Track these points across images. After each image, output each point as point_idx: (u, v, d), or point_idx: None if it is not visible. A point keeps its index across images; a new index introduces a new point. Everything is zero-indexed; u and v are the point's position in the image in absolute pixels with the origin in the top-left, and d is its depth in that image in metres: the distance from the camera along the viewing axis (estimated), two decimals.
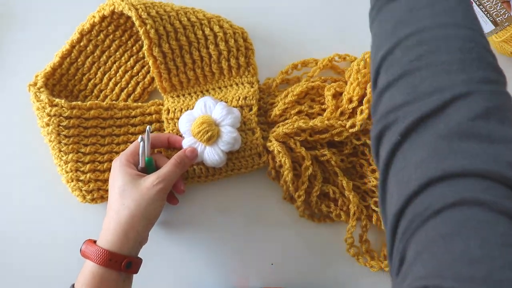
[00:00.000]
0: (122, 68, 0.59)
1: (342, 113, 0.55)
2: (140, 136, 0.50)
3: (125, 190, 0.48)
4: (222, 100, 0.55)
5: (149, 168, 0.51)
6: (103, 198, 0.55)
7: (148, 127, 0.51)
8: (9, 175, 0.58)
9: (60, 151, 0.53)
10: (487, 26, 0.60)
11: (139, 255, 0.49)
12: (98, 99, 0.58)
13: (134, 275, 0.49)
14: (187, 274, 0.57)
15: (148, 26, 0.53)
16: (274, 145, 0.53)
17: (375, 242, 0.58)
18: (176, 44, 0.54)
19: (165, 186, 0.49)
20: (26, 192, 0.58)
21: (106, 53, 0.58)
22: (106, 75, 0.59)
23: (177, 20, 0.55)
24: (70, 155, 0.53)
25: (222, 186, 0.58)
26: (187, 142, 0.53)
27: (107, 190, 0.54)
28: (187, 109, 0.55)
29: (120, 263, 0.46)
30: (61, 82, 0.58)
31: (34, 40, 0.60)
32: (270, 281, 0.56)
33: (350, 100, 0.54)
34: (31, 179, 0.58)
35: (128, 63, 0.59)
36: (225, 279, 0.57)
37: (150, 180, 0.48)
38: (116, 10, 0.55)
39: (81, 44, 0.57)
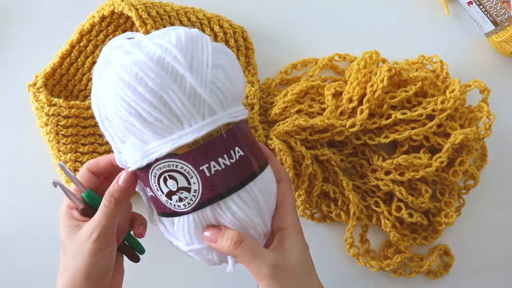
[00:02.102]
0: None
1: (342, 113, 0.55)
2: (52, 180, 0.42)
3: (64, 248, 0.41)
4: None
5: (96, 203, 0.41)
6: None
7: (59, 162, 0.43)
8: (9, 175, 0.58)
9: (59, 150, 0.53)
10: (487, 26, 0.60)
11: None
12: None
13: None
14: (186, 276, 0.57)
15: (149, 26, 0.53)
16: (276, 143, 0.53)
17: (375, 242, 0.58)
18: None
19: (101, 235, 0.39)
20: (26, 192, 0.57)
21: None
22: None
23: (177, 20, 0.55)
24: (69, 155, 0.53)
25: None
26: None
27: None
28: None
29: None
30: (61, 82, 0.58)
31: (34, 40, 0.60)
32: None
33: (350, 100, 0.54)
34: (31, 179, 0.58)
35: None
36: (225, 279, 0.57)
37: (85, 230, 0.40)
38: (116, 10, 0.55)
39: (81, 44, 0.57)
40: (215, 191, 0.37)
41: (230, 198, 0.37)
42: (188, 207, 0.37)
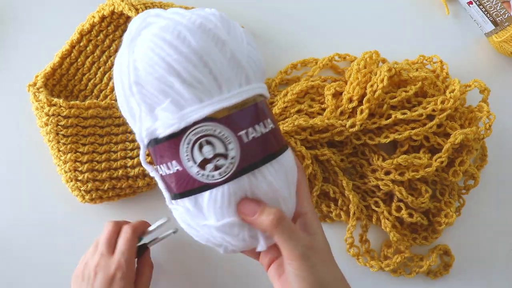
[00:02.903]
0: None
1: (342, 113, 0.55)
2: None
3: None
4: None
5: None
6: (102, 198, 0.55)
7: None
8: (9, 175, 0.58)
9: (59, 150, 0.53)
10: (487, 26, 0.60)
11: None
12: (98, 99, 0.58)
13: None
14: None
15: None
16: None
17: (375, 242, 0.58)
18: None
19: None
20: (26, 192, 0.57)
21: (106, 53, 0.58)
22: (106, 75, 0.59)
23: None
24: (69, 155, 0.53)
25: None
26: None
27: (105, 191, 0.54)
28: None
29: None
30: (61, 82, 0.58)
31: (34, 40, 0.60)
32: None
33: (350, 100, 0.54)
34: (31, 179, 0.58)
35: None
36: (224, 279, 0.57)
37: None
38: (116, 10, 0.55)
39: (81, 44, 0.57)
40: (252, 159, 0.36)
41: (265, 167, 0.37)
42: (224, 176, 0.36)
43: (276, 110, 0.56)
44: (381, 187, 0.54)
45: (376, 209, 0.56)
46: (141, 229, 0.53)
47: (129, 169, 0.54)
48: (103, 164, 0.54)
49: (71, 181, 0.53)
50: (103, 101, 0.56)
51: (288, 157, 0.40)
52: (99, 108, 0.55)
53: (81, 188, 0.54)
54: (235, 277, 0.57)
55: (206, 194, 0.36)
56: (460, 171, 0.54)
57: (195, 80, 0.35)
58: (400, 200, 0.55)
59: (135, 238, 0.51)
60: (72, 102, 0.53)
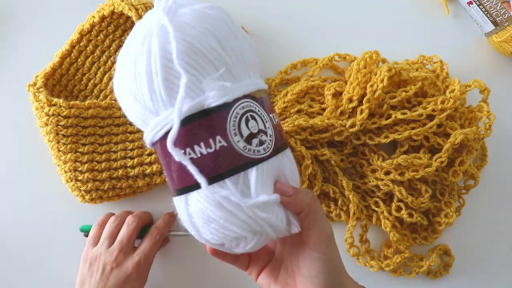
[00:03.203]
0: None
1: (342, 113, 0.55)
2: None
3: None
4: None
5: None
6: (102, 198, 0.55)
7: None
8: (9, 175, 0.58)
9: (59, 150, 0.53)
10: (487, 26, 0.60)
11: None
12: (98, 99, 0.58)
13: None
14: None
15: None
16: None
17: (375, 242, 0.58)
18: None
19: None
20: (26, 192, 0.57)
21: (106, 53, 0.58)
22: (106, 75, 0.59)
23: None
24: (69, 155, 0.53)
25: None
26: None
27: (105, 191, 0.54)
28: None
29: None
30: (61, 82, 0.58)
31: (34, 40, 0.60)
32: None
33: (350, 100, 0.54)
34: (31, 179, 0.58)
35: None
36: (224, 279, 0.57)
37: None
38: (116, 10, 0.55)
39: (81, 44, 0.57)
40: (282, 140, 0.38)
41: (288, 150, 0.39)
42: (268, 151, 0.36)
43: (276, 110, 0.56)
44: (381, 187, 0.54)
45: (376, 209, 0.56)
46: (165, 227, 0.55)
47: (129, 169, 0.54)
48: (103, 164, 0.54)
49: (71, 181, 0.53)
50: (103, 101, 0.56)
51: (289, 151, 0.41)
52: (99, 108, 0.55)
53: (81, 188, 0.54)
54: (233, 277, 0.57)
55: (253, 171, 0.35)
56: (460, 171, 0.54)
57: (236, 58, 0.36)
58: (400, 200, 0.55)
59: (160, 242, 0.53)
60: (72, 102, 0.53)
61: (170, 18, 0.35)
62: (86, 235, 0.56)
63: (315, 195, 0.39)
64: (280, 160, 0.37)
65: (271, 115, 0.38)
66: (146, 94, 0.35)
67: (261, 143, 0.36)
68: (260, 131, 0.36)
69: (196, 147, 0.34)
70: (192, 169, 0.34)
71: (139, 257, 0.50)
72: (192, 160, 0.34)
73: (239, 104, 0.35)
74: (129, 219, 0.53)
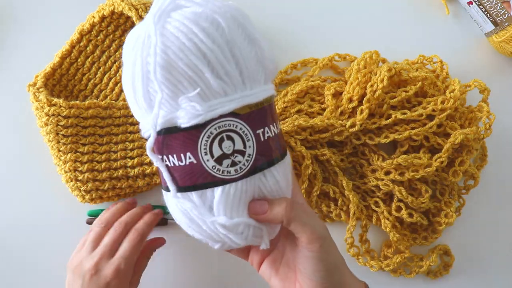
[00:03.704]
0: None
1: (342, 113, 0.55)
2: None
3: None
4: None
5: None
6: (102, 198, 0.55)
7: None
8: (9, 175, 0.58)
9: (59, 150, 0.53)
10: (487, 26, 0.60)
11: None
12: (98, 99, 0.58)
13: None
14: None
15: None
16: None
17: (375, 242, 0.58)
18: None
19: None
20: (26, 192, 0.57)
21: (106, 53, 0.58)
22: (106, 75, 0.59)
23: None
24: (69, 155, 0.53)
25: None
26: None
27: (105, 191, 0.54)
28: None
29: None
30: (61, 82, 0.58)
31: (34, 40, 0.60)
32: None
33: (350, 100, 0.54)
34: (31, 179, 0.58)
35: None
36: (224, 280, 0.57)
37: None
38: (116, 10, 0.55)
39: (81, 44, 0.57)
40: (265, 158, 0.36)
41: (274, 167, 0.37)
42: (240, 173, 0.35)
43: (276, 110, 0.56)
44: (381, 187, 0.54)
45: (376, 209, 0.56)
46: (152, 224, 0.51)
47: (129, 169, 0.54)
48: (103, 164, 0.54)
49: (71, 181, 0.53)
50: (103, 101, 0.56)
51: (288, 156, 0.40)
52: (99, 108, 0.55)
53: (81, 188, 0.54)
54: (230, 274, 0.57)
55: (219, 190, 0.35)
56: (460, 171, 0.54)
57: (224, 72, 0.34)
58: (400, 200, 0.55)
59: (141, 244, 0.49)
60: (72, 102, 0.53)
61: (160, 24, 0.34)
62: (89, 221, 0.56)
63: (291, 200, 0.37)
64: (259, 179, 0.36)
65: (261, 130, 0.36)
66: (132, 100, 0.37)
67: (234, 164, 0.35)
68: (235, 151, 0.35)
69: (170, 157, 0.36)
70: (165, 176, 0.36)
71: (118, 261, 0.46)
72: (167, 167, 0.36)
73: (215, 124, 0.34)
74: (117, 224, 0.49)
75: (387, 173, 0.54)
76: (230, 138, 0.35)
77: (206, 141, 0.34)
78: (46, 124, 0.53)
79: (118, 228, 0.49)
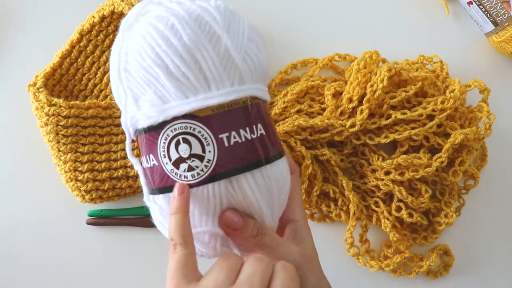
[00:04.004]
0: None
1: (342, 113, 0.55)
2: None
3: None
4: None
5: None
6: (102, 198, 0.55)
7: None
8: (9, 175, 0.58)
9: (59, 150, 0.53)
10: (487, 26, 0.60)
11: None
12: (98, 99, 0.58)
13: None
14: None
15: None
16: None
17: (375, 242, 0.58)
18: None
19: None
20: (26, 192, 0.57)
21: (106, 53, 0.58)
22: (106, 75, 0.59)
23: None
24: (69, 155, 0.53)
25: None
26: None
27: (105, 191, 0.54)
28: None
29: None
30: (61, 82, 0.58)
31: (34, 40, 0.60)
32: None
33: (350, 100, 0.54)
34: (31, 179, 0.58)
35: None
36: None
37: None
38: (116, 10, 0.55)
39: (81, 44, 0.57)
40: (230, 165, 0.34)
41: (243, 177, 0.34)
42: (198, 179, 0.34)
43: (276, 110, 0.56)
44: (381, 187, 0.54)
45: (376, 209, 0.56)
46: None
47: (129, 169, 0.55)
48: (103, 164, 0.54)
49: (71, 181, 0.53)
50: (103, 101, 0.56)
51: (278, 168, 0.37)
52: (99, 108, 0.55)
53: (81, 188, 0.54)
54: None
55: None
56: (460, 171, 0.54)
57: (181, 74, 0.33)
58: (400, 200, 0.55)
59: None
60: (72, 102, 0.53)
61: (128, 30, 0.35)
62: (89, 221, 0.56)
63: (263, 232, 0.35)
64: (225, 187, 0.34)
65: (225, 134, 0.34)
66: (116, 98, 0.37)
67: (191, 169, 0.34)
68: (192, 155, 0.33)
69: (142, 158, 0.36)
70: (140, 177, 0.37)
71: None
72: (143, 169, 0.37)
73: (171, 126, 0.34)
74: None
75: (387, 173, 0.54)
76: (186, 141, 0.33)
77: (164, 143, 0.34)
78: (46, 124, 0.53)
79: (264, 263, 0.35)
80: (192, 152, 0.33)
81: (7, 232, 0.57)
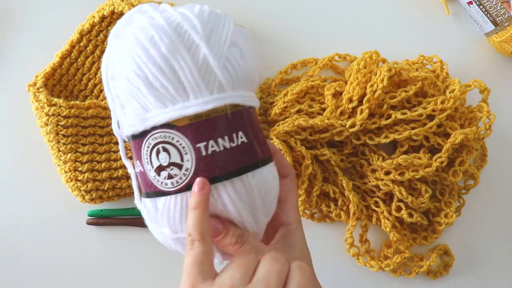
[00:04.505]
0: None
1: (342, 113, 0.55)
2: None
3: None
4: None
5: None
6: (102, 198, 0.55)
7: None
8: (9, 175, 0.58)
9: (59, 150, 0.53)
10: (487, 26, 0.60)
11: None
12: (98, 99, 0.58)
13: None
14: None
15: None
16: (276, 143, 0.53)
17: (375, 242, 0.58)
18: None
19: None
20: (26, 192, 0.57)
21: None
22: None
23: None
24: (69, 155, 0.53)
25: None
26: None
27: (105, 191, 0.54)
28: None
29: None
30: (61, 82, 0.58)
31: (34, 40, 0.60)
32: None
33: (350, 100, 0.54)
34: (31, 179, 0.58)
35: None
36: None
37: None
38: (116, 10, 0.55)
39: (81, 44, 0.57)
40: (208, 174, 0.34)
41: (222, 185, 0.34)
42: (177, 186, 0.34)
43: (276, 110, 0.56)
44: (381, 187, 0.54)
45: (376, 209, 0.56)
46: None
47: None
48: (103, 164, 0.54)
49: (71, 181, 0.53)
50: (103, 101, 0.56)
51: (261, 175, 0.36)
52: (99, 108, 0.55)
53: (81, 188, 0.54)
54: None
55: (161, 201, 0.36)
56: (460, 171, 0.54)
57: (160, 85, 0.34)
58: (400, 200, 0.55)
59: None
60: (72, 102, 0.53)
61: (112, 39, 0.37)
62: (89, 222, 0.56)
63: (243, 240, 0.34)
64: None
65: (203, 143, 0.34)
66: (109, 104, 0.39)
67: (170, 176, 0.34)
68: (171, 164, 0.34)
69: (134, 163, 0.38)
70: (133, 181, 0.39)
71: None
72: (135, 172, 0.39)
73: (152, 135, 0.34)
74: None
75: (387, 173, 0.54)
76: (165, 150, 0.34)
77: (147, 151, 0.35)
78: (46, 124, 0.53)
79: (280, 262, 0.35)
80: (171, 161, 0.34)
81: (7, 232, 0.57)
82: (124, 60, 0.35)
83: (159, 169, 0.35)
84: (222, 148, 0.34)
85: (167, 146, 0.34)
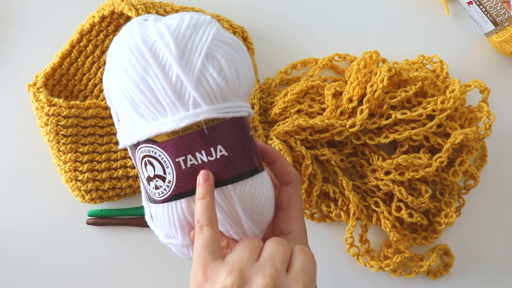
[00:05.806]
0: None
1: (342, 113, 0.55)
2: None
3: None
4: None
5: None
6: (102, 198, 0.55)
7: None
8: (9, 175, 0.58)
9: (59, 150, 0.53)
10: (487, 26, 0.60)
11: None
12: (98, 99, 0.58)
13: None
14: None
15: None
16: (276, 143, 0.53)
17: (375, 242, 0.58)
18: None
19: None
20: (26, 192, 0.57)
21: (106, 53, 0.58)
22: None
23: None
24: (69, 155, 0.53)
25: None
26: None
27: (104, 191, 0.54)
28: None
29: None
30: (61, 82, 0.58)
31: (34, 40, 0.60)
32: None
33: (350, 100, 0.54)
34: (31, 179, 0.58)
35: None
36: None
37: None
38: (116, 10, 0.55)
39: (81, 44, 0.57)
40: (188, 185, 0.35)
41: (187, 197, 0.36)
42: (162, 196, 0.36)
43: (276, 110, 0.56)
44: (381, 187, 0.54)
45: (376, 209, 0.56)
46: None
47: (129, 169, 0.55)
48: (103, 164, 0.54)
49: (71, 181, 0.53)
50: (103, 101, 0.56)
51: (244, 188, 0.36)
52: (99, 108, 0.55)
53: (81, 188, 0.54)
54: None
55: (153, 207, 0.38)
56: (460, 171, 0.54)
57: (141, 102, 0.35)
58: (400, 200, 0.55)
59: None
60: (72, 102, 0.53)
61: (113, 50, 0.38)
62: (89, 222, 0.56)
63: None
64: (187, 205, 0.36)
65: (182, 158, 0.35)
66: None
67: (156, 187, 0.37)
68: (156, 176, 0.36)
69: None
70: (142, 185, 0.40)
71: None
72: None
73: (140, 148, 0.36)
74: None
75: (387, 173, 0.54)
76: (150, 163, 0.36)
77: (138, 162, 0.37)
78: (46, 124, 0.53)
79: (284, 245, 0.36)
80: (155, 173, 0.36)
81: (7, 232, 0.57)
82: (113, 79, 0.36)
83: (148, 179, 0.37)
84: (200, 162, 0.35)
85: (151, 159, 0.36)
